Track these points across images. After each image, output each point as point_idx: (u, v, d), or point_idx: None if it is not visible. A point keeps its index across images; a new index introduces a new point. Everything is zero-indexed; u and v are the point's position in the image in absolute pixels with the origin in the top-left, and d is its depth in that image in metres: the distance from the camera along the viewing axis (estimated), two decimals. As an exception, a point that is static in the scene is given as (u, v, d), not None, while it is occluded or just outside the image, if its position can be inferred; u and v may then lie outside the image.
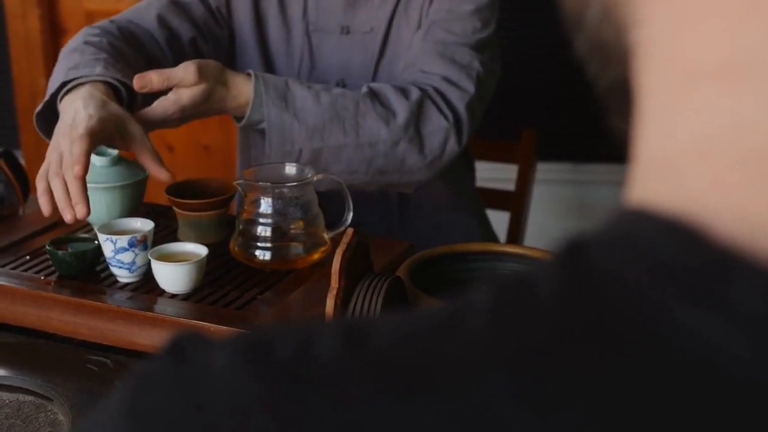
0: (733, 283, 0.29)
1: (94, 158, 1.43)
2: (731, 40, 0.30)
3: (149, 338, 1.20)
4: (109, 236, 1.28)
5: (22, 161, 2.97)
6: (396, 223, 1.65)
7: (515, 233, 1.96)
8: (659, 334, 0.29)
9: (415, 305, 1.18)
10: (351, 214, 1.40)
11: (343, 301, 1.14)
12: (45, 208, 1.29)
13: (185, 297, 1.26)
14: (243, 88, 1.42)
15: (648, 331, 0.29)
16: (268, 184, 1.34)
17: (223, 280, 1.31)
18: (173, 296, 1.26)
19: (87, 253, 1.31)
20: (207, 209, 1.40)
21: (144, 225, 1.33)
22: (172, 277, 1.25)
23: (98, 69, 1.38)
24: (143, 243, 1.30)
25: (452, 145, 1.47)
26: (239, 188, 1.34)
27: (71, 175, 1.26)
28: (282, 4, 1.58)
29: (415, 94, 1.46)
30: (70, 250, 1.32)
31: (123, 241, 1.28)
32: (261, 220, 1.33)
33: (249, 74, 1.44)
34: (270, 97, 1.41)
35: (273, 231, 1.33)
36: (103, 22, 1.54)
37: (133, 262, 1.29)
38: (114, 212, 1.43)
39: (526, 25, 2.58)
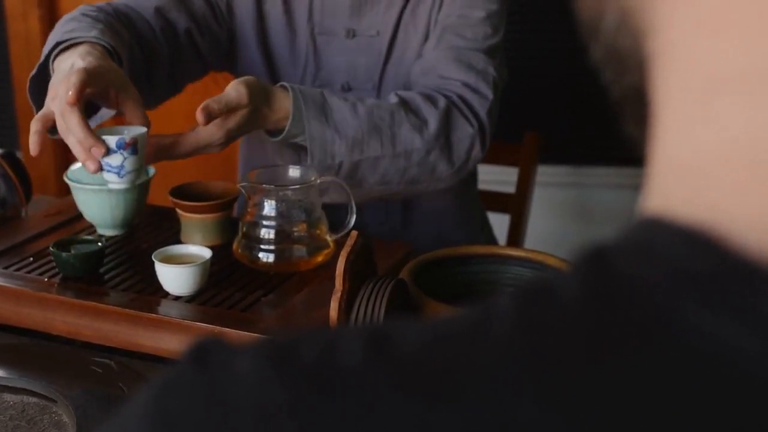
0: (753, 290, 0.29)
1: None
2: (750, 48, 0.30)
3: (153, 340, 1.21)
4: (106, 136, 1.27)
5: (23, 161, 2.97)
6: (398, 226, 1.65)
7: (516, 236, 1.96)
8: (681, 339, 0.29)
9: (419, 308, 1.18)
10: (354, 217, 1.40)
11: (347, 303, 1.14)
12: (33, 148, 1.27)
13: (189, 299, 1.26)
14: (282, 103, 1.38)
15: (670, 337, 0.29)
16: (272, 186, 1.34)
17: (226, 282, 1.31)
18: (177, 298, 1.26)
19: (91, 254, 1.31)
20: (210, 211, 1.40)
21: (137, 129, 1.31)
22: (175, 279, 1.25)
23: (94, 33, 1.37)
24: (132, 146, 1.26)
25: (477, 152, 1.48)
26: (243, 191, 1.34)
27: (73, 121, 1.23)
28: (287, 6, 1.58)
29: (441, 101, 1.45)
30: (73, 251, 1.32)
31: (111, 141, 1.25)
32: (264, 223, 1.34)
33: (284, 87, 1.41)
34: (310, 111, 1.38)
35: (276, 233, 1.34)
36: (101, 3, 1.53)
37: (122, 166, 1.27)
38: (118, 215, 1.43)
39: (528, 29, 2.58)
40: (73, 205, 1.49)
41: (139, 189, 1.44)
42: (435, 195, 1.64)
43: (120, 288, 1.29)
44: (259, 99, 1.35)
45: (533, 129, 2.01)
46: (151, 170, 1.47)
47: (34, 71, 1.38)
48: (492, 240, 1.79)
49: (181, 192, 1.43)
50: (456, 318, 0.34)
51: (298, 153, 1.45)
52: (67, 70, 1.27)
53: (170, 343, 1.20)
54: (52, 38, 1.39)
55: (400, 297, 1.18)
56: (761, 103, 0.30)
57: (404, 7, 1.54)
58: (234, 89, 1.33)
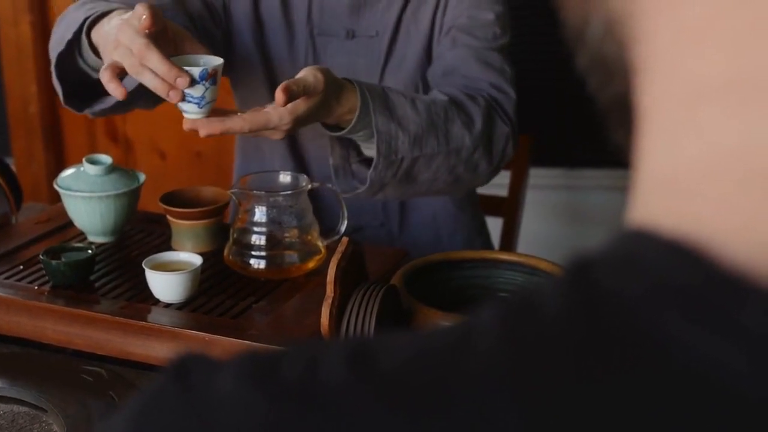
0: (738, 305, 0.29)
1: (87, 167, 1.43)
2: (736, 57, 0.30)
3: (144, 348, 1.20)
4: (187, 68, 1.24)
5: (14, 168, 2.96)
6: (396, 230, 1.64)
7: (508, 239, 1.95)
8: (667, 356, 0.29)
9: (411, 314, 1.18)
10: (346, 222, 1.39)
11: (338, 310, 1.13)
12: (119, 92, 1.24)
13: (180, 306, 1.26)
14: (349, 96, 1.33)
15: (655, 354, 0.29)
16: (263, 192, 1.34)
17: (217, 289, 1.31)
18: (168, 305, 1.26)
19: (81, 262, 1.30)
20: (201, 218, 1.40)
21: (213, 60, 1.28)
22: (166, 286, 1.25)
23: (114, 6, 1.35)
24: (213, 77, 1.25)
25: (510, 151, 1.47)
26: (233, 197, 1.34)
27: (154, 55, 1.20)
28: (285, 8, 1.57)
29: (481, 100, 1.44)
30: (64, 259, 1.31)
31: (194, 72, 1.23)
32: (255, 229, 1.33)
33: (348, 80, 1.36)
34: (376, 106, 1.33)
35: (267, 239, 1.33)
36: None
37: (203, 97, 1.24)
38: (108, 221, 1.43)
39: (519, 32, 2.58)
40: (63, 212, 1.48)
41: (130, 195, 1.43)
42: (433, 198, 1.63)
43: (110, 296, 1.29)
44: (331, 89, 1.30)
45: (525, 131, 2.01)
46: (142, 176, 1.47)
47: (62, 47, 1.36)
48: (488, 244, 1.79)
49: (172, 198, 1.43)
50: (439, 332, 0.33)
51: (347, 150, 1.40)
52: (119, 24, 1.26)
53: (161, 351, 1.19)
54: (68, 25, 1.38)
55: (392, 303, 1.17)
56: (745, 114, 0.30)
57: (404, 8, 1.54)
58: (311, 75, 1.27)
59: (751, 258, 0.29)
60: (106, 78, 1.23)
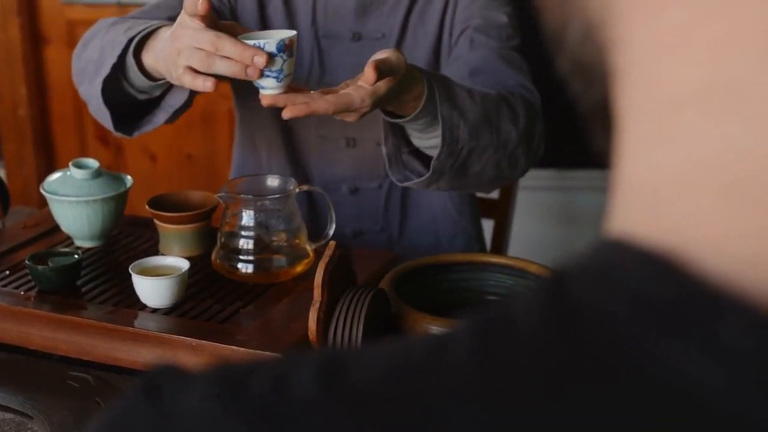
0: (715, 320, 0.28)
1: (74, 171, 1.42)
2: (713, 65, 0.29)
3: (131, 353, 1.19)
4: (256, 41, 1.21)
5: (3, 172, 2.95)
6: (396, 234, 1.63)
7: (499, 241, 1.95)
8: (644, 374, 0.28)
9: (399, 318, 1.17)
10: (333, 226, 1.39)
11: (326, 314, 1.13)
12: (209, 84, 1.23)
13: (167, 311, 1.25)
14: (417, 82, 1.27)
15: (632, 371, 0.29)
16: (250, 196, 1.33)
17: (205, 293, 1.30)
18: (155, 311, 1.25)
19: (67, 267, 1.30)
20: (188, 222, 1.39)
21: (284, 33, 1.25)
22: (153, 291, 1.24)
23: (153, 23, 1.35)
24: (290, 48, 1.22)
25: (542, 149, 1.45)
26: (221, 201, 1.33)
27: (227, 41, 1.20)
28: (289, 11, 1.56)
29: (519, 97, 1.42)
30: (50, 264, 1.30)
31: (271, 45, 1.21)
32: (243, 233, 1.32)
33: (414, 67, 1.31)
34: (441, 93, 1.28)
35: (255, 243, 1.32)
36: (116, 18, 1.52)
37: (281, 70, 1.21)
38: (95, 226, 1.42)
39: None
40: (51, 217, 1.48)
41: (117, 199, 1.42)
42: (433, 202, 1.62)
43: (97, 301, 1.28)
44: (405, 73, 1.26)
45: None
46: (129, 180, 1.46)
47: (106, 71, 1.36)
48: (482, 248, 1.78)
49: (160, 202, 1.42)
50: (412, 346, 0.33)
51: (399, 140, 1.35)
52: (173, 33, 1.25)
53: (148, 357, 1.18)
54: (102, 45, 1.39)
55: (380, 307, 1.17)
56: (724, 123, 0.29)
57: (410, 10, 1.52)
58: (393, 55, 1.23)
59: (728, 271, 0.29)
60: (188, 79, 1.24)
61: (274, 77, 1.22)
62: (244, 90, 1.60)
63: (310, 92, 1.23)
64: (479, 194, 1.97)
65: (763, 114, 0.29)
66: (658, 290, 0.29)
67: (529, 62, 1.53)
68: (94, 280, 1.34)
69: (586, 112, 0.38)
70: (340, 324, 1.13)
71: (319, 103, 1.19)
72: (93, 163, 1.44)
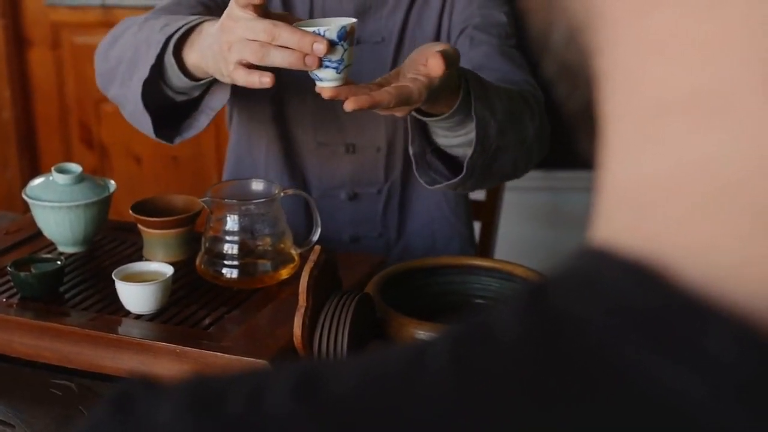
0: (698, 330, 0.28)
1: (56, 176, 1.41)
2: (698, 69, 0.29)
3: (114, 361, 1.18)
4: (316, 28, 1.15)
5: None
6: (394, 239, 1.62)
7: (486, 243, 1.94)
8: (626, 385, 0.28)
9: (385, 322, 1.17)
10: (319, 230, 1.38)
11: (311, 320, 1.12)
12: (266, 80, 1.17)
13: (151, 317, 1.24)
14: (454, 78, 1.22)
15: (614, 383, 0.28)
16: (234, 201, 1.32)
17: (189, 299, 1.29)
18: (138, 317, 1.24)
19: (50, 274, 1.28)
20: (172, 227, 1.38)
21: (343, 20, 1.19)
22: (136, 297, 1.23)
23: (192, 18, 1.28)
24: (351, 37, 1.15)
25: (548, 146, 1.43)
26: (205, 206, 1.32)
27: (284, 29, 1.13)
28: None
29: (529, 93, 1.38)
30: (33, 271, 1.29)
31: (332, 32, 1.13)
32: (227, 238, 1.31)
33: None
34: (476, 90, 1.23)
35: (240, 248, 1.31)
36: (144, 15, 1.43)
37: (341, 60, 1.14)
38: (78, 231, 1.40)
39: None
40: (33, 222, 1.46)
41: (100, 205, 1.41)
42: (431, 205, 1.61)
43: (80, 307, 1.27)
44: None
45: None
46: (112, 185, 1.45)
47: (145, 74, 1.29)
48: (476, 251, 1.77)
49: (144, 207, 1.41)
50: (390, 358, 0.32)
51: (424, 140, 1.31)
52: (221, 26, 1.19)
53: (132, 364, 1.17)
54: (135, 43, 1.32)
55: (365, 312, 1.16)
56: (708, 129, 0.29)
57: (409, 12, 1.51)
58: (450, 48, 1.18)
59: (711, 280, 0.28)
60: (242, 75, 1.17)
61: (333, 68, 1.15)
62: (242, 94, 1.57)
63: (368, 85, 1.17)
64: (468, 199, 1.96)
65: (748, 120, 0.28)
66: (640, 301, 0.29)
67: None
68: (78, 286, 1.33)
69: (572, 116, 0.37)
70: (326, 329, 1.12)
71: (382, 95, 1.13)
72: (75, 167, 1.43)
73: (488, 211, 1.96)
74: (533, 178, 2.73)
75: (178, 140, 1.38)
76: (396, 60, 1.51)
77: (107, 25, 2.80)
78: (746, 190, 0.28)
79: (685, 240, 0.29)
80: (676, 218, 0.29)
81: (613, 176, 0.32)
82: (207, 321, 1.23)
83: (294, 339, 1.11)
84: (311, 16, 1.51)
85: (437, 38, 1.51)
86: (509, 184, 2.06)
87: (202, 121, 1.36)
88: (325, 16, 1.49)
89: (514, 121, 1.30)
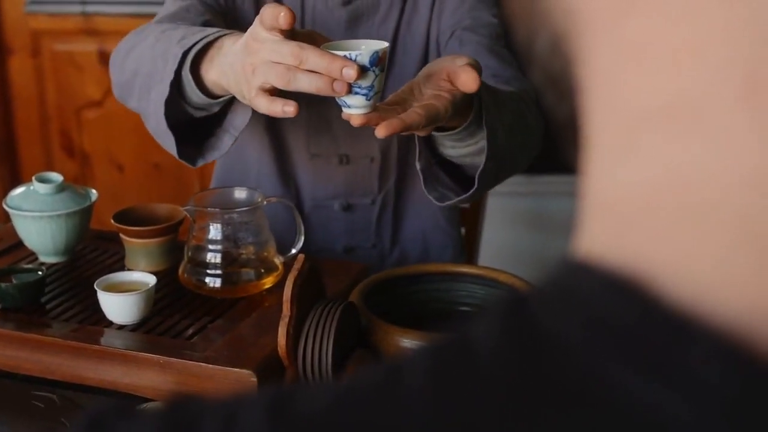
0: (677, 347, 0.27)
1: (37, 186, 1.40)
2: (676, 78, 0.28)
3: (97, 372, 1.17)
4: (346, 52, 1.08)
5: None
6: (387, 249, 1.61)
7: (470, 248, 1.94)
8: (608, 405, 0.27)
9: (370, 331, 1.16)
10: (302, 238, 1.37)
11: (295, 329, 1.11)
12: (290, 109, 1.10)
13: (133, 328, 1.23)
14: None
15: (595, 402, 0.27)
16: (217, 209, 1.31)
17: (172, 308, 1.28)
18: (121, 327, 1.23)
19: (31, 284, 1.27)
20: (155, 236, 1.37)
21: (374, 44, 1.12)
22: (119, 307, 1.22)
23: (210, 32, 1.20)
24: (383, 63, 1.09)
25: (541, 143, 1.40)
26: (188, 214, 1.31)
27: (312, 52, 1.07)
28: None
29: (524, 92, 1.37)
30: (13, 281, 1.28)
31: (364, 56, 1.07)
32: (210, 246, 1.30)
33: None
34: (485, 100, 1.20)
35: (223, 257, 1.31)
36: (147, 24, 1.38)
37: (372, 86, 1.08)
38: (59, 241, 1.39)
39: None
40: (14, 232, 1.45)
41: (81, 214, 1.40)
42: (425, 214, 1.60)
43: (62, 318, 1.26)
44: None
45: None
46: (93, 194, 1.44)
47: (165, 91, 1.22)
48: (465, 258, 1.76)
49: (126, 216, 1.40)
50: (364, 376, 0.32)
51: (429, 153, 1.28)
52: (245, 46, 1.13)
53: (114, 375, 1.16)
54: (152, 56, 1.25)
55: (350, 320, 1.15)
56: (686, 140, 0.28)
57: (400, 20, 1.50)
58: (474, 61, 1.15)
59: (692, 295, 0.28)
60: (264, 103, 1.11)
61: (363, 95, 1.09)
62: (238, 102, 1.55)
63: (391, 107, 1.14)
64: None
65: (726, 129, 0.27)
66: (620, 316, 0.28)
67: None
68: (59, 296, 1.32)
69: (559, 126, 0.37)
70: (310, 339, 1.11)
71: (412, 116, 1.09)
72: (57, 177, 1.42)
73: (472, 217, 1.95)
74: (516, 183, 2.73)
75: (200, 162, 1.31)
76: (390, 67, 1.50)
77: (87, 32, 2.80)
78: (726, 203, 0.27)
79: (666, 253, 0.28)
80: (657, 231, 0.29)
81: (594, 188, 0.32)
82: (190, 331, 1.22)
83: (278, 348, 1.11)
84: (302, 25, 1.49)
85: (427, 44, 1.51)
86: (492, 189, 2.05)
87: (225, 141, 1.30)
88: (315, 24, 1.47)
89: (518, 125, 1.29)
